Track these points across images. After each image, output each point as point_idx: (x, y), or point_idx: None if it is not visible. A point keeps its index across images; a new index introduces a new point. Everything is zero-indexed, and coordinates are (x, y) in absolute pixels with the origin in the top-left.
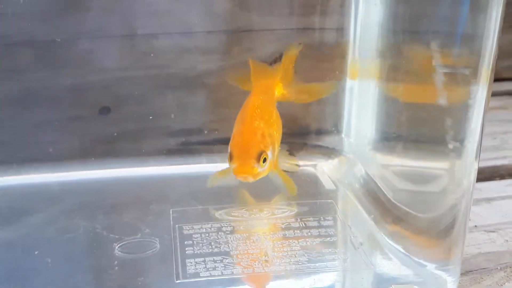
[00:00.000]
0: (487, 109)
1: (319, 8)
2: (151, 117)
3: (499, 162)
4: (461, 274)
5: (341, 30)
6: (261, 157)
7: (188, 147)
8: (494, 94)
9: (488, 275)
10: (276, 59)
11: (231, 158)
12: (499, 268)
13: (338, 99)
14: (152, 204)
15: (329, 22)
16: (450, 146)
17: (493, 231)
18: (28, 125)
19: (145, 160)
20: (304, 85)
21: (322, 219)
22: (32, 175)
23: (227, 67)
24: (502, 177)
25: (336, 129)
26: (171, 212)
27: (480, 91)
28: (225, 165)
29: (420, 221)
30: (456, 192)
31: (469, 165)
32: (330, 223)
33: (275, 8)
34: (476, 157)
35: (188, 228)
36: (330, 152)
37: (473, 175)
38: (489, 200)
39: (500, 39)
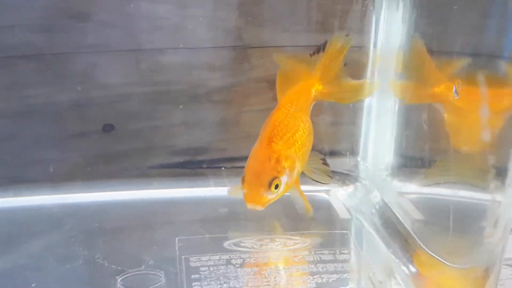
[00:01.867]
0: None
1: (336, 25)
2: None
3: None
4: None
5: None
6: (272, 184)
7: (195, 168)
8: None
9: None
10: (319, 49)
11: (243, 182)
12: None
13: (355, 119)
14: (157, 231)
15: None
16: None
17: None
18: (28, 142)
19: (150, 181)
20: (348, 82)
21: (337, 252)
22: (31, 196)
23: (236, 84)
24: None
25: (352, 152)
26: (176, 241)
27: None
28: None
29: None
30: (492, 235)
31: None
32: (346, 257)
33: (289, 25)
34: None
35: (195, 260)
36: (344, 177)
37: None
38: None
39: None
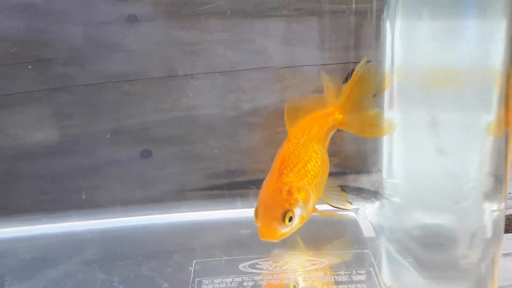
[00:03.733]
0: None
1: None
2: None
3: None
4: None
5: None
6: (286, 218)
7: (226, 192)
8: None
9: None
10: (347, 76)
11: (256, 216)
12: None
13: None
14: (176, 254)
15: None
16: None
17: None
18: (67, 171)
19: (179, 206)
20: (371, 115)
21: (353, 272)
22: (61, 223)
23: (270, 105)
24: None
25: (377, 168)
26: (193, 263)
27: None
28: None
29: None
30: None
31: None
32: (362, 277)
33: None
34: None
35: (207, 283)
36: (372, 195)
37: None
38: None
39: None
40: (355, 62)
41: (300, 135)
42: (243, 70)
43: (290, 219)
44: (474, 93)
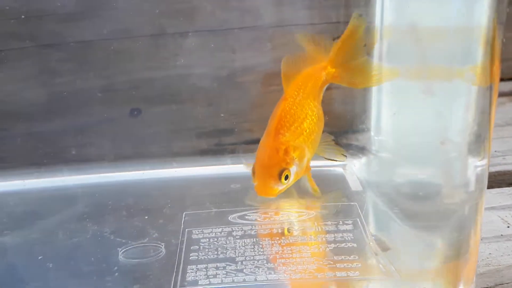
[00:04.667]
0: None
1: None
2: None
3: None
4: (490, 287)
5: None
6: (282, 176)
7: (216, 148)
8: None
9: None
10: (340, 35)
11: (253, 174)
12: None
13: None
14: (166, 207)
15: None
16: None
17: None
18: (58, 128)
19: (170, 162)
20: (362, 66)
21: (341, 223)
22: (52, 178)
23: (259, 65)
24: None
25: (365, 126)
26: (183, 215)
27: None
28: None
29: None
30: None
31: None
32: (349, 227)
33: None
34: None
35: (197, 232)
36: (359, 151)
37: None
38: None
39: None
40: (345, 22)
41: (296, 93)
42: (233, 29)
43: (286, 177)
44: (460, 48)
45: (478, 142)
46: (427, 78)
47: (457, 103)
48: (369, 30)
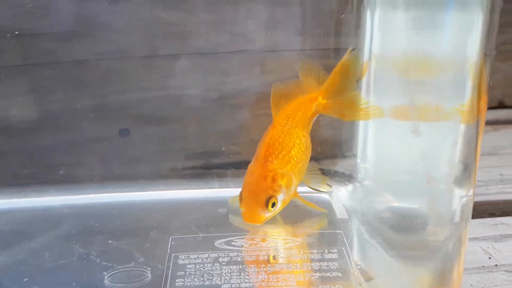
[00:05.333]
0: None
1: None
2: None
3: None
4: None
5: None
6: (269, 203)
7: (204, 171)
8: None
9: None
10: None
11: (240, 200)
12: None
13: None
14: (153, 231)
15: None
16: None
17: None
18: (47, 147)
19: (157, 184)
20: (352, 99)
21: (326, 251)
22: (40, 198)
23: (250, 88)
24: None
25: (352, 153)
26: (170, 239)
27: None
28: None
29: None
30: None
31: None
32: (334, 256)
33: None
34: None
35: (183, 258)
36: (346, 178)
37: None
38: None
39: None
40: (335, 49)
41: (285, 121)
42: (225, 52)
43: (273, 204)
44: (448, 82)
45: (465, 173)
46: (414, 119)
47: (444, 134)
48: (360, 65)
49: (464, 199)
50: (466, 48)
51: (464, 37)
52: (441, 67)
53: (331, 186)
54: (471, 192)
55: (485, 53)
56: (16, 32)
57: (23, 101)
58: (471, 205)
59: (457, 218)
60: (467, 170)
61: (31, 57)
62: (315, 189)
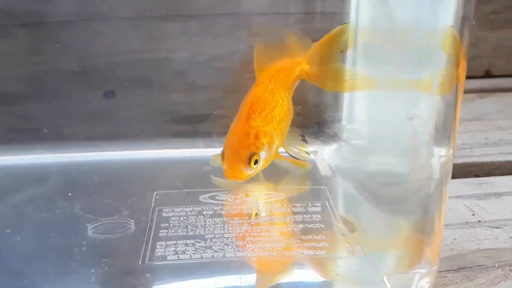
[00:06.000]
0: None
1: None
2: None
3: None
4: (453, 270)
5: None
6: (251, 160)
7: (189, 132)
8: None
9: (483, 273)
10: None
11: (222, 158)
12: (497, 265)
13: None
14: (138, 187)
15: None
16: None
17: (498, 227)
18: (31, 108)
19: (144, 144)
20: (335, 70)
21: (310, 205)
22: (25, 155)
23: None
24: None
25: (337, 116)
26: (154, 194)
27: None
28: None
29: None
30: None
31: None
32: (317, 209)
33: None
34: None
35: (168, 211)
36: (330, 138)
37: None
38: (499, 195)
39: None
40: (320, 12)
41: (268, 81)
42: (212, 15)
43: (256, 161)
44: (425, 52)
45: (444, 133)
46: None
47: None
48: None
49: (443, 158)
50: (441, 18)
51: (439, 7)
52: (416, 35)
53: (309, 154)
54: (450, 153)
55: (463, 17)
56: None
57: (9, 62)
58: (451, 164)
59: (436, 175)
60: (446, 130)
61: (16, 18)
62: (293, 157)
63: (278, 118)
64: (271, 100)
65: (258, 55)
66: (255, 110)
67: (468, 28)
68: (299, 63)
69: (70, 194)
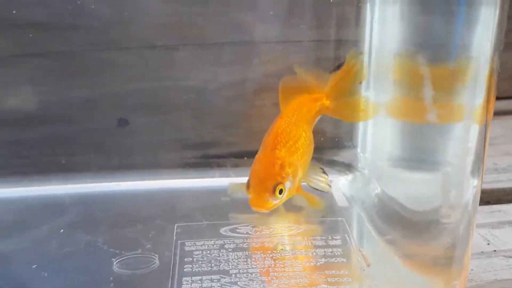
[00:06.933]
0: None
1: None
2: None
3: None
4: None
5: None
6: (276, 189)
7: (203, 161)
8: None
9: None
10: (339, 65)
11: (248, 187)
12: None
13: None
14: (158, 219)
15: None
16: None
17: None
18: (44, 138)
19: (158, 173)
20: (355, 102)
21: (330, 238)
22: (42, 186)
23: (247, 79)
24: None
25: (352, 143)
26: (175, 227)
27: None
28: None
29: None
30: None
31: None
32: (338, 242)
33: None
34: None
35: (190, 245)
36: (346, 168)
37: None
38: None
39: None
40: (335, 40)
41: (291, 114)
42: (221, 43)
43: (281, 191)
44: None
45: (476, 163)
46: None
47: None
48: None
49: (474, 188)
50: (474, 49)
51: (472, 37)
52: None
53: (330, 186)
54: (479, 183)
55: (495, 49)
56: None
57: (20, 91)
58: (479, 195)
59: (468, 206)
60: (478, 159)
61: (24, 48)
62: (315, 189)
63: (301, 150)
64: (295, 132)
65: (283, 88)
66: (280, 141)
67: (498, 59)
68: (320, 99)
69: (91, 227)
